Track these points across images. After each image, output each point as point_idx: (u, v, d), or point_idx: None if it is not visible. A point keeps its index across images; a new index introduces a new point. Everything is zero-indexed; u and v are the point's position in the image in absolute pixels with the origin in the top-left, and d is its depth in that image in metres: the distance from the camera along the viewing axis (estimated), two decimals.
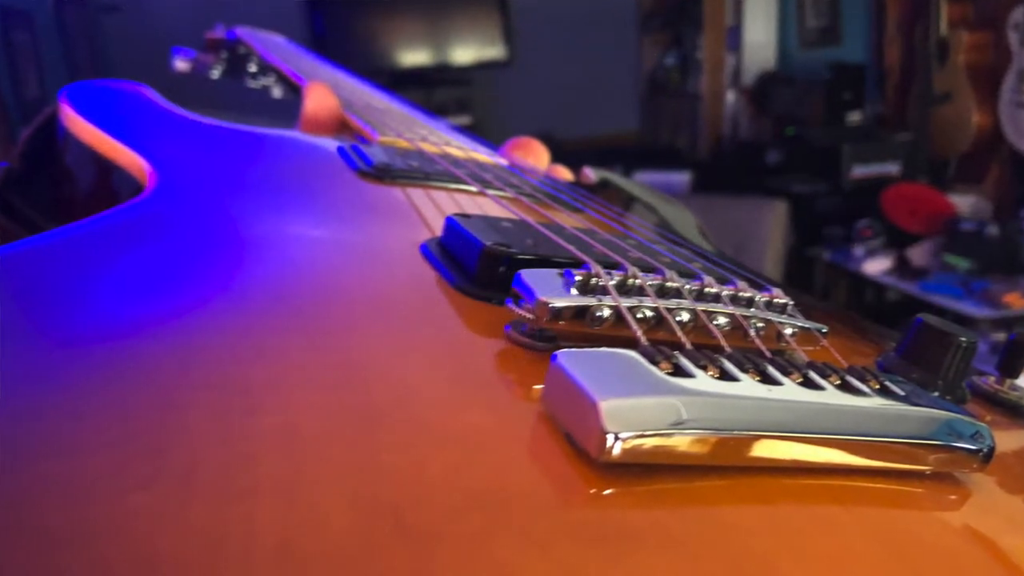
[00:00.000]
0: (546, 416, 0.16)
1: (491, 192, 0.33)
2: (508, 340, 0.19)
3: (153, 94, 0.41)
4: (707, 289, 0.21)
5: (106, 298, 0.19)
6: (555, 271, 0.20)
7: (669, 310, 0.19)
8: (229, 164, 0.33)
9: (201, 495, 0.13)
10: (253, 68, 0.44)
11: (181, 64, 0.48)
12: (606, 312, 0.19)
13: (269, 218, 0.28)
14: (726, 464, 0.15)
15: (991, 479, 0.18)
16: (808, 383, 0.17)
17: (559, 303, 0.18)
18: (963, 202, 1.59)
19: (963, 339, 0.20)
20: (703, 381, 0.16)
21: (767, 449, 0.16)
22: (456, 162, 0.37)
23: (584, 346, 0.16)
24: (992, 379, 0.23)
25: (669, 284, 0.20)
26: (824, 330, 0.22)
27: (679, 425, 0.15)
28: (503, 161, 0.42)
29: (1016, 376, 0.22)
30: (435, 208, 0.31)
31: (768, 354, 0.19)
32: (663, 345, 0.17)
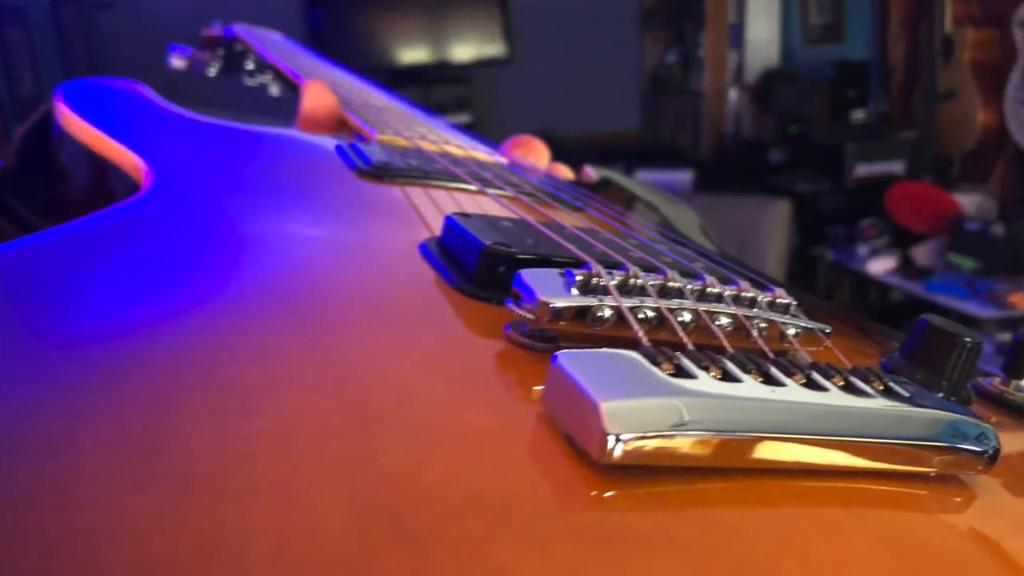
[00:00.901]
0: (546, 417, 0.16)
1: (491, 191, 0.33)
2: (508, 341, 0.19)
3: (149, 92, 0.41)
4: (709, 289, 0.21)
5: (102, 298, 0.19)
6: (555, 271, 0.19)
7: (671, 310, 0.19)
8: (226, 163, 0.33)
9: (197, 497, 0.13)
10: (250, 66, 0.44)
11: (177, 62, 0.48)
12: (607, 312, 0.19)
13: (266, 217, 0.28)
14: (728, 466, 0.15)
15: (996, 481, 0.18)
16: (811, 384, 0.17)
17: (559, 303, 0.18)
18: (968, 201, 1.58)
19: (968, 339, 0.20)
20: (705, 382, 0.16)
21: (770, 451, 0.16)
22: (455, 161, 0.37)
23: (585, 347, 0.16)
24: (997, 380, 0.22)
25: (671, 284, 0.20)
26: (827, 330, 0.22)
27: (681, 426, 0.15)
28: (503, 160, 0.41)
29: (1022, 377, 0.22)
30: (434, 207, 0.30)
31: (771, 355, 0.19)
32: (665, 346, 0.17)
